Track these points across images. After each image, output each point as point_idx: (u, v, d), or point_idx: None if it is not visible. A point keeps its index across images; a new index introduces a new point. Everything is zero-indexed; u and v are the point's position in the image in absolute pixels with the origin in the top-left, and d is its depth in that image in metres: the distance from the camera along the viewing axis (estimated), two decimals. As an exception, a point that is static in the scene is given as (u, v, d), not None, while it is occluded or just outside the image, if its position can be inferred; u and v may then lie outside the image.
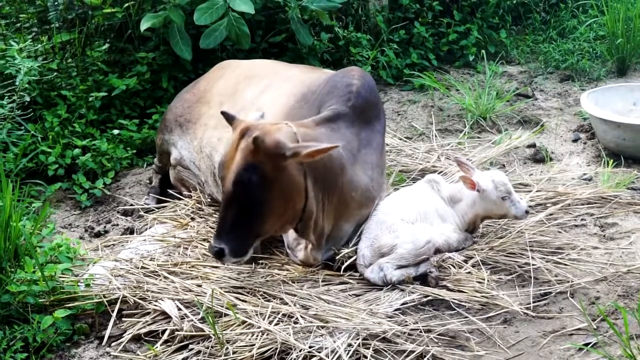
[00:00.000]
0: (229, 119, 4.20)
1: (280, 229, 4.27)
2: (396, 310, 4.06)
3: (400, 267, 4.27)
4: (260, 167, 3.96)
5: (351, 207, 4.47)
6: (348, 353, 3.72)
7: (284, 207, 4.10)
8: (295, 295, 4.16)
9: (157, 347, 3.86)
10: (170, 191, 5.37)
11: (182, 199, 5.23)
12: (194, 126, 5.21)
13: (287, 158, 3.98)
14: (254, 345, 3.77)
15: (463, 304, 4.09)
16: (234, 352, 3.76)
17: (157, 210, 5.24)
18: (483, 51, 7.51)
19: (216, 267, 4.46)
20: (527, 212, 4.52)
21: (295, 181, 4.10)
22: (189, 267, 4.45)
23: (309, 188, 4.16)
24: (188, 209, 5.11)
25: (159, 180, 5.57)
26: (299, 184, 4.11)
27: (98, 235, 5.13)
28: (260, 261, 4.55)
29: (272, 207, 4.05)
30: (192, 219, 5.01)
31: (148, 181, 5.71)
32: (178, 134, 5.33)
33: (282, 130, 4.09)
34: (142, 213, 5.25)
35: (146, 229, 5.01)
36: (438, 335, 3.88)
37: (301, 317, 3.95)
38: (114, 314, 4.09)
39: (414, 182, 5.03)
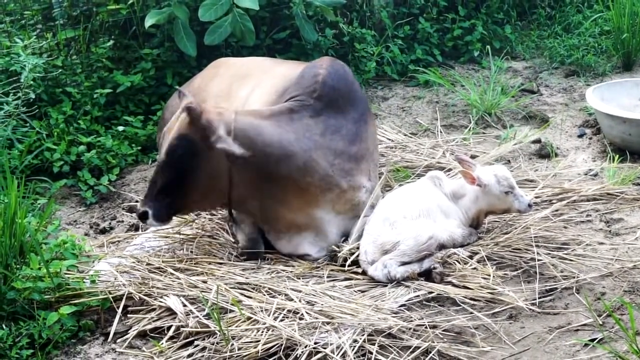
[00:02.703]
0: (180, 95, 4.48)
1: (207, 206, 4.67)
2: (401, 306, 4.05)
3: (404, 263, 4.27)
4: (191, 140, 4.25)
5: (312, 192, 4.49)
6: (353, 349, 3.72)
7: (208, 186, 4.37)
8: (300, 292, 4.16)
9: (162, 344, 3.87)
10: None
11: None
12: None
13: (212, 142, 4.23)
14: (259, 341, 3.77)
15: (468, 299, 4.09)
16: (239, 348, 3.76)
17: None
18: (488, 47, 7.49)
19: (221, 263, 4.47)
20: (530, 206, 4.51)
21: (221, 164, 4.32)
22: (194, 264, 4.46)
23: (233, 173, 4.35)
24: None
25: None
26: (223, 167, 4.33)
27: (103, 231, 5.14)
28: (265, 257, 4.56)
29: (196, 183, 4.34)
30: (197, 214, 5.01)
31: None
32: None
33: (222, 115, 4.35)
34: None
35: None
36: (443, 331, 3.87)
37: (306, 313, 3.95)
38: (120, 311, 4.10)
39: (419, 178, 5.02)
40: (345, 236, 4.59)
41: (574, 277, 4.27)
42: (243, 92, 5.06)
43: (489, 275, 4.24)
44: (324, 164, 4.51)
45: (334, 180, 4.53)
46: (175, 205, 4.38)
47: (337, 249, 4.50)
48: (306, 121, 4.52)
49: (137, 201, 5.40)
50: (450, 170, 5.36)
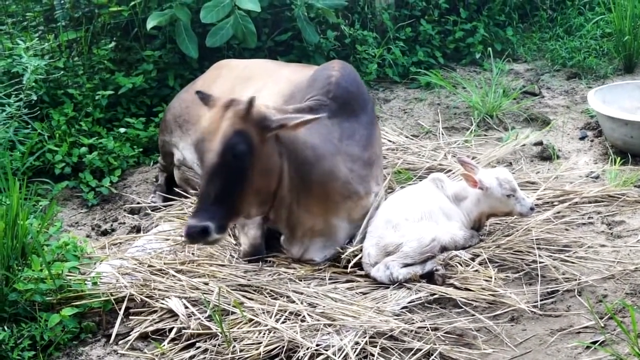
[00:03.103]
0: (205, 98, 4.20)
1: (253, 210, 4.25)
2: (403, 308, 4.05)
3: (406, 265, 4.27)
4: (249, 135, 4.00)
5: (334, 199, 4.46)
6: (355, 351, 3.72)
7: (261, 184, 4.14)
8: (302, 294, 4.16)
9: (164, 345, 3.87)
10: (177, 189, 5.37)
11: (189, 197, 5.23)
12: (193, 127, 5.21)
13: (272, 130, 4.05)
14: (261, 343, 3.77)
15: (470, 302, 4.09)
16: (241, 350, 3.76)
17: (163, 208, 5.25)
18: (489, 49, 7.50)
19: (223, 265, 4.47)
20: (532, 209, 4.51)
21: (274, 159, 4.17)
22: (196, 265, 4.45)
23: (284, 170, 4.22)
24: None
25: (165, 179, 5.58)
26: (276, 162, 4.18)
27: (105, 233, 5.14)
28: (267, 259, 4.56)
29: (253, 182, 4.07)
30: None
31: (154, 179, 5.71)
32: (179, 135, 5.36)
33: (267, 106, 4.17)
34: (148, 211, 5.26)
35: (153, 227, 5.01)
36: (445, 333, 3.87)
37: (308, 315, 3.95)
38: (121, 312, 4.10)
39: (420, 180, 5.02)
40: (351, 239, 4.59)
41: (575, 280, 4.26)
42: (247, 95, 5.04)
43: (491, 278, 4.24)
44: (344, 169, 4.50)
45: (352, 188, 4.52)
46: (233, 212, 4.06)
47: (341, 251, 4.49)
48: (325, 122, 4.48)
49: (138, 203, 5.41)
50: (450, 171, 5.35)
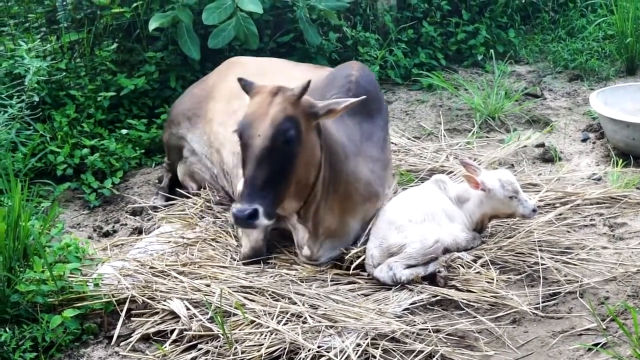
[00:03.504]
0: (247, 85, 4.18)
1: (292, 203, 4.24)
2: (405, 310, 4.05)
3: (409, 266, 4.27)
4: (298, 121, 4.00)
5: (355, 199, 4.47)
6: (357, 353, 3.72)
7: (303, 175, 4.13)
8: (303, 295, 4.15)
9: (165, 347, 3.87)
10: (179, 190, 5.37)
11: (191, 197, 5.23)
12: (202, 121, 5.23)
13: (320, 117, 4.06)
14: (263, 345, 3.77)
15: (472, 303, 4.09)
16: (242, 352, 3.76)
17: (165, 209, 5.25)
18: (492, 51, 7.49)
19: (225, 267, 4.47)
20: (534, 210, 4.51)
21: (317, 150, 4.16)
22: (198, 267, 4.45)
23: (322, 164, 4.20)
24: (197, 208, 5.11)
25: (169, 180, 5.58)
26: (318, 154, 4.17)
27: (107, 235, 5.14)
28: (269, 261, 4.55)
29: (298, 170, 4.06)
30: (201, 217, 5.01)
31: (157, 180, 5.71)
32: (187, 127, 5.36)
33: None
34: (150, 212, 5.26)
35: (155, 229, 5.01)
36: (447, 335, 3.87)
37: (310, 316, 3.95)
38: (123, 314, 4.10)
39: (422, 182, 5.02)
40: (356, 240, 4.58)
41: (577, 282, 4.26)
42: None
43: (493, 279, 4.24)
44: (365, 170, 4.51)
45: (373, 189, 4.53)
46: (278, 199, 4.02)
47: (345, 252, 4.49)
48: (347, 122, 4.49)
49: (138, 203, 5.40)
50: (451, 173, 5.35)
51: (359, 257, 4.41)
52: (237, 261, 4.54)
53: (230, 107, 4.96)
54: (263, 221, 3.90)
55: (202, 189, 5.30)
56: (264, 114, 3.98)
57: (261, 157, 3.93)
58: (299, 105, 4.01)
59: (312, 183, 4.22)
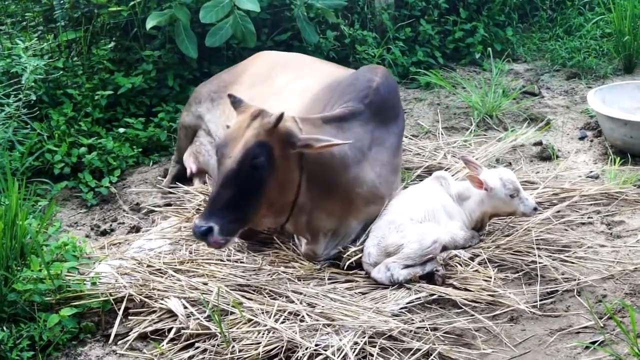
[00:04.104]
0: (236, 102, 4.22)
1: (267, 220, 4.31)
2: (402, 308, 4.05)
3: (407, 266, 4.26)
4: (271, 148, 4.02)
5: (357, 203, 4.48)
6: (354, 351, 3.71)
7: (277, 196, 4.15)
8: (301, 294, 4.15)
9: (163, 346, 3.87)
10: (178, 184, 5.40)
11: (190, 193, 5.23)
12: (224, 102, 5.22)
13: (296, 148, 4.07)
14: (260, 343, 3.76)
15: (469, 302, 4.08)
16: (240, 351, 3.76)
17: (163, 206, 5.26)
18: (489, 49, 7.49)
19: (222, 265, 4.46)
20: (535, 209, 4.51)
21: (294, 174, 4.17)
22: (195, 265, 4.45)
23: (302, 184, 4.22)
24: (195, 204, 5.10)
25: (172, 177, 5.58)
26: (295, 177, 4.19)
27: (104, 233, 5.13)
28: (267, 259, 4.55)
29: (268, 193, 4.09)
30: (198, 212, 4.99)
31: (160, 175, 5.72)
32: (207, 107, 5.41)
33: (291, 122, 4.18)
34: (149, 208, 5.26)
35: (152, 227, 5.01)
36: (444, 333, 3.87)
37: (307, 315, 3.95)
38: (120, 313, 4.10)
39: (420, 180, 5.02)
40: (355, 239, 4.58)
41: (575, 280, 4.26)
42: (282, 79, 5.14)
43: (490, 278, 4.24)
44: (371, 174, 4.51)
45: (379, 192, 4.54)
46: (242, 220, 4.09)
47: (342, 250, 4.49)
48: (356, 130, 4.48)
49: (137, 204, 5.40)
50: (448, 169, 5.34)
51: (356, 255, 4.41)
52: (234, 261, 4.54)
53: (251, 92, 4.99)
54: (218, 238, 3.97)
55: (200, 174, 5.37)
56: (240, 136, 4.03)
57: (228, 178, 4.00)
58: (275, 133, 4.03)
59: (291, 201, 4.24)
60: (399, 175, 4.93)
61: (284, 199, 4.21)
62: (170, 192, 5.38)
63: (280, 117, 4.00)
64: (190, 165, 5.43)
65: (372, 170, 4.52)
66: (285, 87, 5.05)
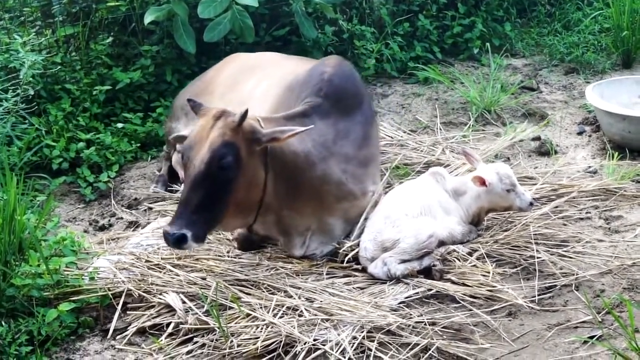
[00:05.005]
0: (195, 106, 4.20)
1: (235, 221, 4.28)
2: (401, 303, 4.06)
3: (404, 261, 4.26)
4: (237, 147, 4.00)
5: (328, 200, 4.47)
6: (352, 346, 3.72)
7: (244, 196, 4.13)
8: (299, 288, 4.16)
9: (161, 340, 3.87)
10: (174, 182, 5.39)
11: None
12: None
13: (263, 144, 4.06)
14: (259, 338, 3.77)
15: (468, 297, 4.09)
16: (238, 345, 3.76)
17: (167, 195, 5.31)
18: (487, 44, 7.49)
19: (220, 260, 4.47)
20: (531, 204, 4.51)
21: (259, 172, 4.16)
22: (193, 260, 4.45)
23: (268, 183, 4.20)
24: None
25: (167, 168, 5.58)
26: (261, 175, 4.17)
27: (102, 228, 5.14)
28: (265, 253, 4.55)
29: (236, 193, 4.06)
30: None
31: (157, 171, 5.71)
32: (184, 123, 5.36)
33: (257, 119, 4.19)
34: (146, 205, 5.26)
35: (150, 223, 5.01)
36: (443, 328, 3.87)
37: (305, 310, 3.95)
38: (119, 307, 4.10)
39: (418, 175, 5.02)
40: (347, 234, 4.58)
41: (573, 275, 4.26)
42: (249, 84, 5.07)
43: (488, 273, 4.24)
44: (337, 171, 4.48)
45: (347, 188, 4.51)
46: (213, 222, 4.07)
47: (338, 246, 4.49)
48: (319, 126, 4.44)
49: (135, 199, 5.40)
50: (447, 166, 5.35)
51: (353, 250, 4.42)
52: (234, 257, 4.55)
53: (222, 101, 4.96)
54: (192, 245, 3.94)
55: None
56: (204, 137, 4.00)
57: (196, 181, 3.96)
58: (240, 131, 4.01)
59: (257, 201, 4.22)
60: (374, 166, 4.81)
61: (250, 199, 4.18)
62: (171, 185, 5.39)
63: (245, 115, 3.99)
64: (181, 172, 5.41)
65: (337, 167, 4.48)
66: (251, 92, 4.99)
